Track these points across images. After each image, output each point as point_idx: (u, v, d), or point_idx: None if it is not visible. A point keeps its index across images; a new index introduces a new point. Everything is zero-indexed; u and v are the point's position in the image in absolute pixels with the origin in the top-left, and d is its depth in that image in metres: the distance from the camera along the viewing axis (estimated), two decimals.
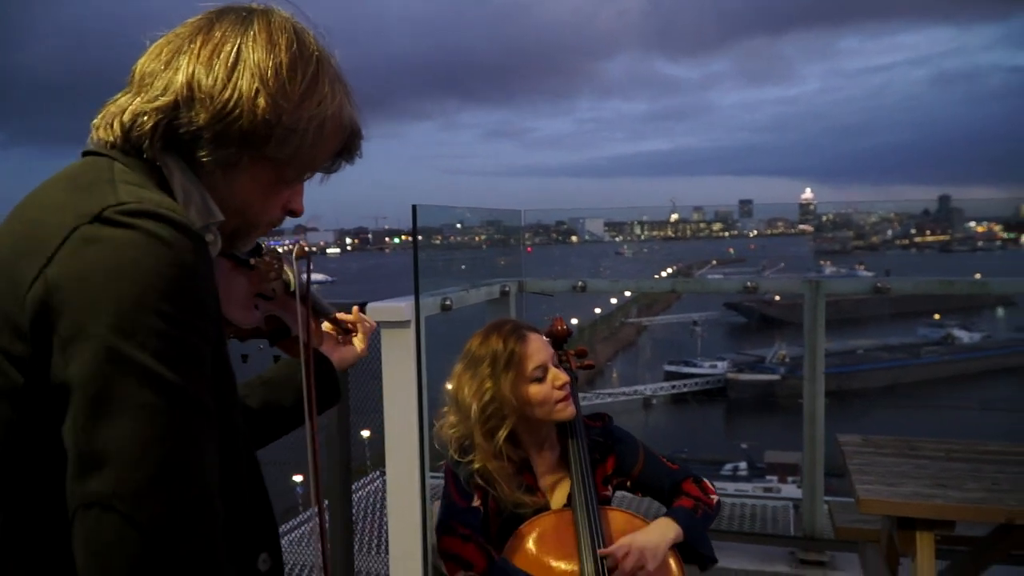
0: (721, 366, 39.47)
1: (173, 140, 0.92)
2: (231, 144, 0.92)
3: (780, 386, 33.77)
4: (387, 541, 3.73)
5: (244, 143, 0.93)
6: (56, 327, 0.76)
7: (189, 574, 0.75)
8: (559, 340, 2.10)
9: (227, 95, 0.91)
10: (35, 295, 0.76)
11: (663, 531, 1.80)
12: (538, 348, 1.88)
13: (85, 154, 0.94)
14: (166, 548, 0.74)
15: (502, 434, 1.83)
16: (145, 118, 0.91)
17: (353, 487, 4.60)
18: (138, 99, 0.92)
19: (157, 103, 0.91)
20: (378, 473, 4.89)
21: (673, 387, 38.77)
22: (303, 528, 4.36)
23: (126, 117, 0.91)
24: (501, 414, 1.83)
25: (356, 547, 3.91)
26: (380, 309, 3.27)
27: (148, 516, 0.74)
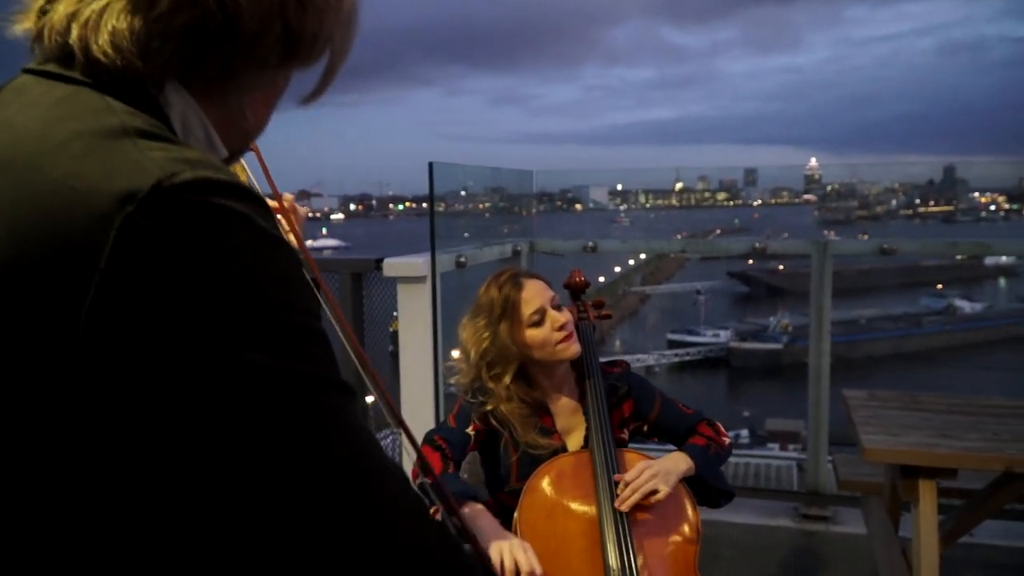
0: (724, 335, 39.60)
1: (187, 62, 0.66)
2: (273, 60, 0.69)
3: (782, 355, 33.90)
4: None
5: (289, 55, 0.70)
6: (136, 365, 0.54)
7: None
8: (577, 291, 2.16)
9: None
10: (94, 320, 0.54)
11: (675, 461, 1.88)
12: (535, 293, 1.94)
13: (36, 74, 0.66)
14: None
15: (507, 379, 1.91)
16: (167, 38, 0.64)
17: None
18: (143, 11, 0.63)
19: (188, 15, 0.63)
20: (388, 432, 4.98)
21: (676, 355, 38.92)
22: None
23: (131, 34, 0.63)
24: (503, 360, 1.91)
25: None
26: (397, 265, 3.35)
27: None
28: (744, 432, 25.97)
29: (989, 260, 50.57)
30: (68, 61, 0.65)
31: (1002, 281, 51.98)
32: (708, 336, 39.89)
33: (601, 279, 46.36)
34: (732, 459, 4.64)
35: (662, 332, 42.21)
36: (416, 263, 3.32)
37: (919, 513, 2.35)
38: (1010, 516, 3.58)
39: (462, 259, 3.55)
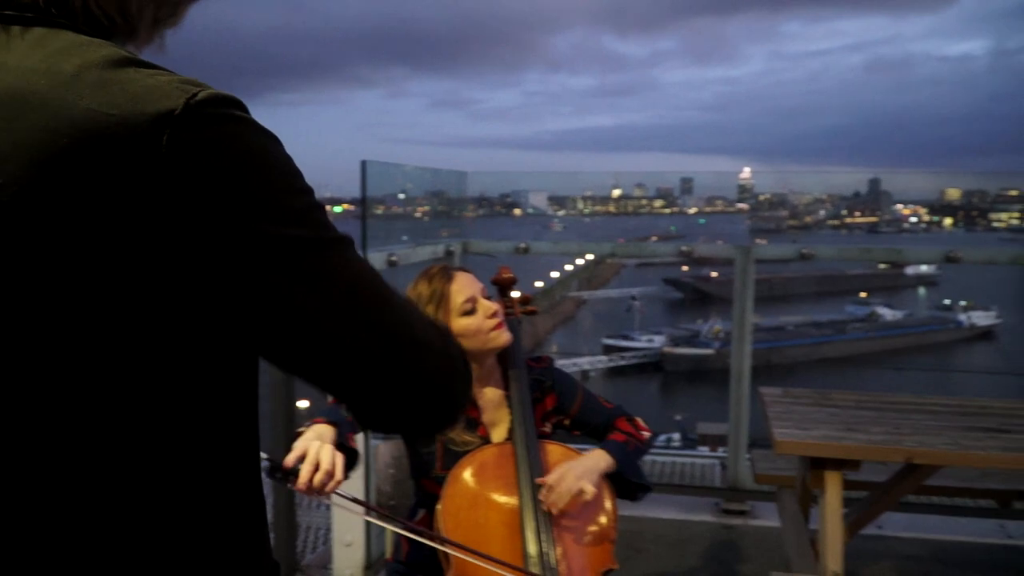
0: (658, 340, 40.26)
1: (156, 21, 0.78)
2: None
3: (714, 360, 34.61)
4: (329, 496, 3.82)
5: None
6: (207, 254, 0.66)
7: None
8: (504, 287, 2.21)
9: None
10: (157, 224, 0.64)
11: (596, 460, 1.95)
12: (465, 284, 1.98)
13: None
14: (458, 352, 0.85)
15: None
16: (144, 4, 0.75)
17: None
18: None
19: None
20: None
21: (611, 360, 39.41)
22: None
23: None
24: None
25: (297, 502, 3.99)
26: None
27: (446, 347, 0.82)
28: (676, 436, 26.43)
29: (910, 270, 52.52)
30: (25, 6, 0.69)
31: (921, 290, 54.06)
32: (643, 341, 40.49)
33: (538, 284, 46.66)
34: (660, 458, 4.76)
35: (598, 337, 42.66)
36: None
37: (825, 503, 2.48)
38: (915, 509, 3.77)
39: (394, 258, 3.57)
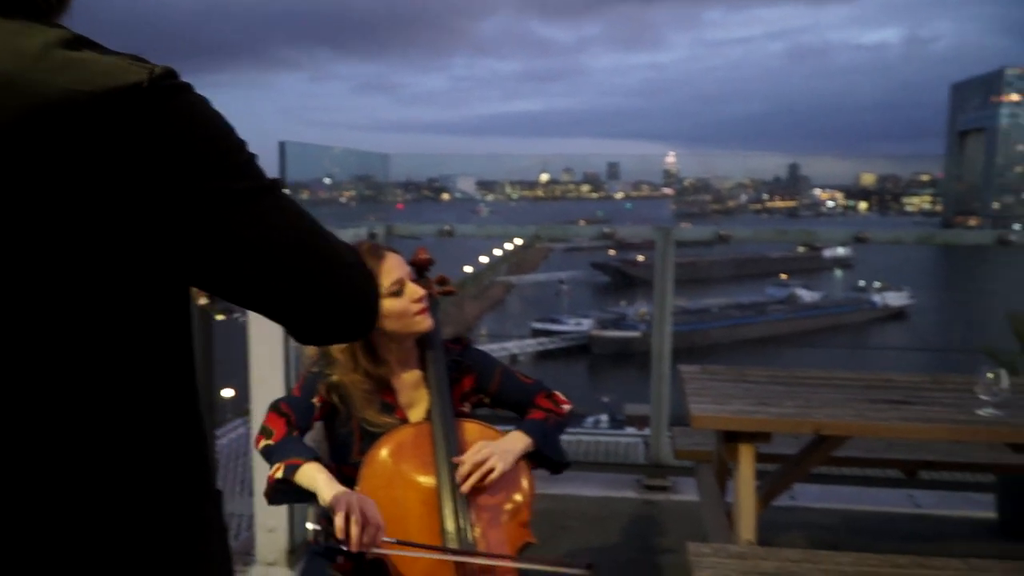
0: (586, 323, 40.79)
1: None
2: None
3: (640, 342, 35.24)
4: (251, 484, 3.78)
5: None
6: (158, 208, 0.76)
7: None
8: (421, 268, 2.21)
9: None
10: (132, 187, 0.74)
11: (514, 441, 1.97)
12: (395, 265, 1.97)
13: None
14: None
15: (356, 347, 1.94)
16: None
17: (217, 433, 4.60)
18: None
19: None
20: (241, 421, 4.90)
21: (540, 344, 39.78)
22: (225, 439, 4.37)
23: None
24: None
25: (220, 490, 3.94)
26: None
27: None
28: (604, 417, 26.86)
29: (827, 252, 54.34)
30: None
31: (838, 272, 56.00)
32: (571, 325, 40.97)
33: (467, 269, 46.67)
34: (585, 438, 4.83)
35: (527, 321, 42.98)
36: None
37: (739, 475, 2.55)
38: (827, 480, 3.92)
39: None
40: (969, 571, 2.29)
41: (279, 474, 1.76)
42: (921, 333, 38.29)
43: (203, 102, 0.79)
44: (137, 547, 0.82)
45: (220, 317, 3.28)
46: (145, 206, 0.75)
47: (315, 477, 1.73)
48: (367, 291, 0.96)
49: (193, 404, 0.89)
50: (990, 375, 2.54)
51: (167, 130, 0.74)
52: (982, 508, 3.82)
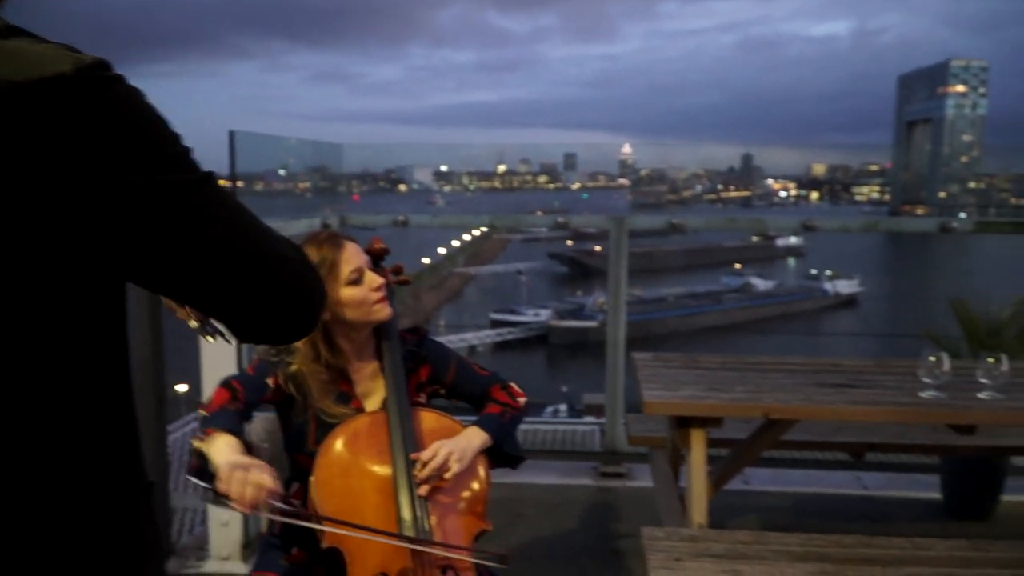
0: (544, 314, 40.95)
1: None
2: None
3: (598, 332, 35.40)
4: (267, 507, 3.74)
5: None
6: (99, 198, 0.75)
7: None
8: (376, 257, 2.20)
9: None
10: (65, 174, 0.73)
11: (470, 438, 1.97)
12: (353, 253, 1.97)
13: None
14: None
15: (317, 336, 1.93)
16: None
17: (169, 428, 4.54)
18: None
19: None
20: (195, 415, 4.85)
21: (498, 334, 39.85)
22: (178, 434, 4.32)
23: None
24: None
25: (172, 487, 3.90)
26: None
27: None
28: (563, 407, 27.02)
29: (780, 241, 55.21)
30: None
31: (791, 261, 56.95)
32: (529, 315, 41.09)
33: (425, 260, 46.51)
34: (542, 426, 4.86)
35: (485, 311, 43.00)
36: None
37: (691, 460, 2.60)
38: (778, 464, 4.01)
39: None
40: (913, 550, 2.36)
41: (195, 443, 1.74)
42: (870, 319, 39.14)
43: (135, 93, 0.78)
44: (65, 539, 0.81)
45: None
46: (74, 198, 0.73)
47: (219, 446, 1.68)
48: (311, 288, 0.93)
49: (125, 398, 0.88)
50: (932, 359, 2.61)
51: (95, 121, 0.73)
52: (927, 489, 3.93)
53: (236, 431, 1.75)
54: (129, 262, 0.80)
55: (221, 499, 1.59)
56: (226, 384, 1.92)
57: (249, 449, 1.72)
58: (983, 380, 2.62)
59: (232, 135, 3.24)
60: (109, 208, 0.75)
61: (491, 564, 1.83)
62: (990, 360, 2.62)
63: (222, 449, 1.68)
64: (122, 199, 0.75)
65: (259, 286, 0.87)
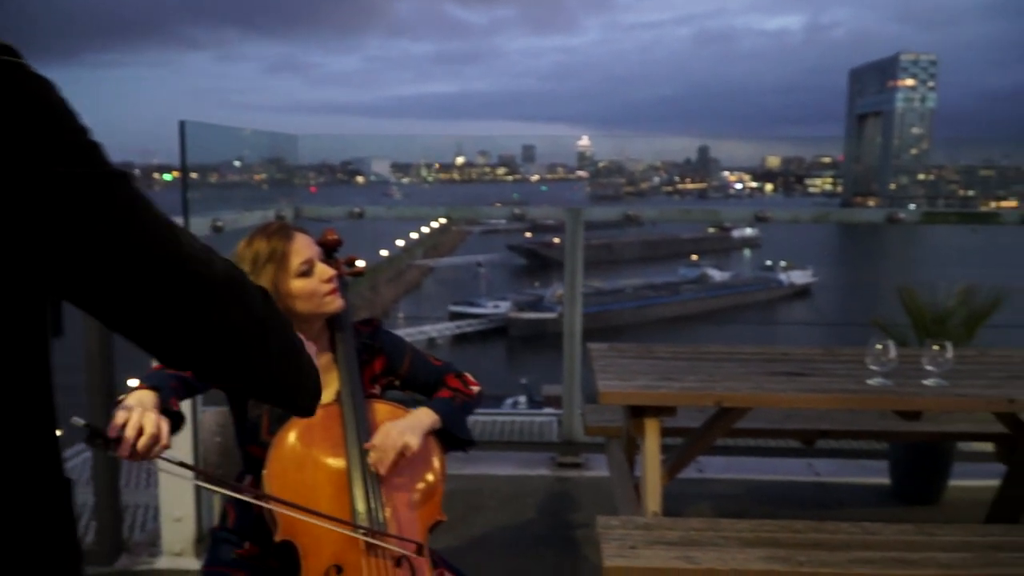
0: (503, 306, 40.94)
1: None
2: None
3: (557, 323, 35.40)
4: (156, 475, 3.69)
5: None
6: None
7: None
8: (330, 249, 2.18)
9: None
10: None
11: (420, 418, 1.97)
12: (304, 245, 1.95)
13: None
14: None
15: None
16: None
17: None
18: None
19: None
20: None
21: (458, 327, 39.76)
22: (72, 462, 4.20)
23: None
24: None
25: (123, 483, 3.84)
26: None
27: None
28: (522, 398, 27.12)
29: (736, 233, 55.91)
30: None
31: (747, 252, 57.70)
32: (488, 307, 41.06)
33: (384, 252, 46.24)
34: (500, 417, 4.87)
35: (444, 304, 42.88)
36: None
37: (645, 449, 2.63)
38: (732, 452, 4.07)
39: (219, 223, 3.44)
40: (862, 534, 2.42)
41: (121, 397, 1.69)
42: (823, 309, 39.84)
43: (38, 80, 0.73)
44: None
45: None
46: None
47: (134, 397, 1.62)
48: (250, 308, 0.85)
49: (44, 396, 0.82)
50: (879, 347, 2.67)
51: (7, 108, 0.69)
52: (876, 475, 4.03)
53: (160, 389, 1.67)
54: (46, 263, 0.74)
55: (99, 440, 1.47)
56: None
57: (167, 412, 1.62)
58: (928, 367, 2.69)
59: (182, 125, 3.18)
60: (28, 201, 0.70)
61: (406, 552, 1.83)
62: (935, 347, 2.69)
63: (134, 397, 1.61)
64: (26, 194, 0.70)
65: (183, 303, 0.79)
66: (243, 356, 0.86)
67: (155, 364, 1.74)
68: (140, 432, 1.51)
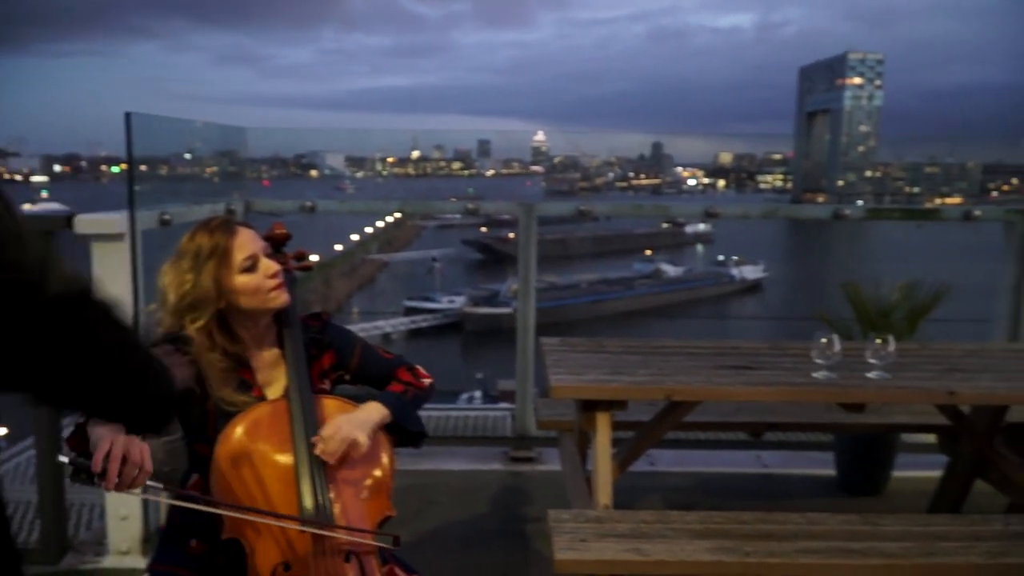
0: (459, 301, 40.85)
1: None
2: None
3: (512, 318, 35.39)
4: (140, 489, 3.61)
5: None
6: None
7: None
8: (278, 243, 2.16)
9: None
10: None
11: (370, 413, 1.96)
12: (248, 240, 1.92)
13: None
14: None
15: (204, 323, 1.88)
16: None
17: (64, 421, 4.36)
18: None
19: None
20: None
21: (413, 322, 39.58)
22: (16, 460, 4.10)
23: None
24: (203, 305, 1.87)
25: (68, 482, 3.76)
26: (91, 221, 3.13)
27: None
28: (477, 393, 27.11)
29: (689, 228, 56.54)
30: None
31: (699, 247, 58.39)
32: (444, 302, 40.94)
33: (338, 247, 45.80)
34: (454, 412, 4.86)
35: (399, 299, 42.65)
36: (112, 220, 3.11)
37: (596, 442, 2.64)
38: (683, 445, 4.12)
39: (166, 216, 3.38)
40: (807, 524, 2.47)
41: (80, 418, 1.66)
42: (773, 303, 40.50)
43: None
44: None
45: None
46: None
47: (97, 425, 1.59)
48: (166, 393, 1.09)
49: None
50: (824, 340, 2.72)
51: None
52: (823, 466, 4.11)
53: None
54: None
55: (83, 476, 1.47)
56: None
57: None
58: (872, 360, 2.75)
59: (128, 117, 3.11)
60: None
61: (384, 545, 1.83)
62: (878, 341, 2.75)
63: (100, 425, 1.56)
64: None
65: (126, 395, 0.97)
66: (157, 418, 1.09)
67: None
68: (124, 461, 1.50)
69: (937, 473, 3.53)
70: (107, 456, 1.49)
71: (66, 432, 1.73)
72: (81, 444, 1.63)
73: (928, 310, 3.94)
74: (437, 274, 45.99)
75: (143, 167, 3.31)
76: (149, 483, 1.55)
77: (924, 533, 2.42)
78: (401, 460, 2.01)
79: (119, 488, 1.50)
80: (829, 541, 2.37)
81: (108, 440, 1.51)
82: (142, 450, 1.55)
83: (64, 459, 1.46)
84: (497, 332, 36.25)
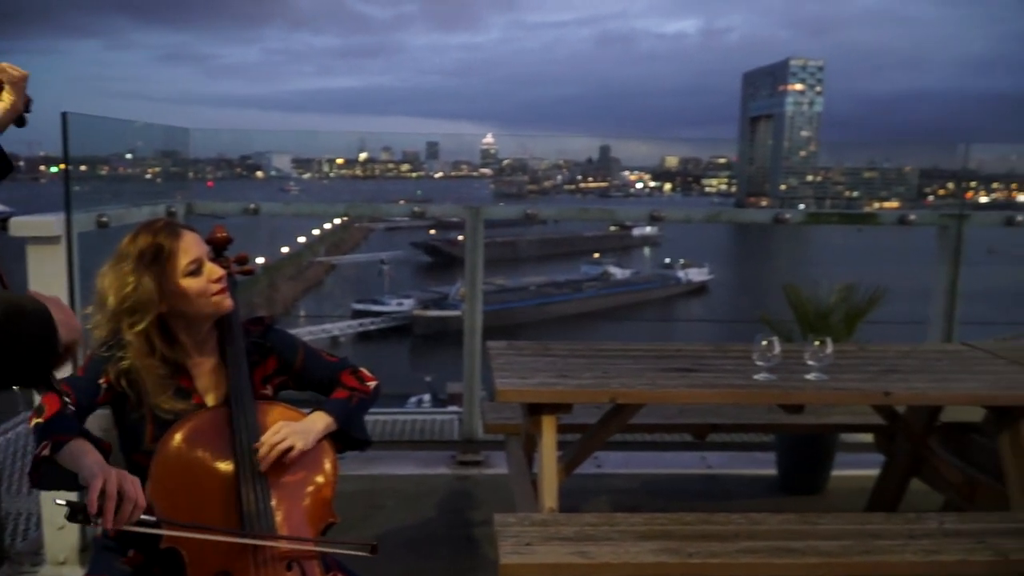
0: (408, 303, 40.65)
1: None
2: None
3: (461, 321, 35.28)
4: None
5: None
6: None
7: None
8: (219, 247, 2.13)
9: None
10: None
11: (314, 421, 1.94)
12: (192, 243, 1.89)
13: None
14: None
15: (145, 328, 1.84)
16: None
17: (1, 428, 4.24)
18: None
19: None
20: (26, 413, 4.55)
21: (361, 325, 39.25)
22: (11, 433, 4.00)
23: None
24: (144, 308, 1.83)
25: (4, 489, 3.66)
26: (26, 223, 3.05)
27: None
28: (427, 397, 27.01)
29: (636, 231, 57.13)
30: None
31: (646, 250, 59.06)
32: (392, 305, 40.71)
33: (285, 249, 45.21)
34: (400, 416, 4.83)
35: (347, 302, 42.28)
36: (48, 222, 3.03)
37: (542, 446, 2.66)
38: (629, 447, 4.16)
39: (104, 219, 3.30)
40: (748, 524, 2.51)
41: (45, 452, 1.65)
42: (717, 306, 41.15)
43: None
44: None
45: None
46: None
47: (79, 453, 1.63)
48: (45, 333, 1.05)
49: None
50: (764, 343, 2.78)
51: None
52: (765, 466, 4.19)
53: (86, 435, 1.70)
54: None
55: (80, 516, 1.51)
56: (54, 389, 1.79)
57: (105, 454, 1.68)
58: (810, 362, 2.81)
59: (64, 117, 3.04)
60: None
61: (360, 554, 1.81)
62: (817, 343, 2.81)
63: (82, 458, 1.61)
64: None
65: None
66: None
67: (48, 408, 1.75)
68: (120, 498, 1.53)
69: (875, 472, 3.63)
70: (102, 494, 1.51)
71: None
72: (47, 478, 1.64)
73: (865, 312, 4.05)
74: (386, 277, 45.70)
75: (82, 167, 3.24)
76: (144, 516, 1.58)
77: (861, 532, 2.48)
78: (348, 465, 1.99)
79: (116, 525, 1.53)
80: (769, 541, 2.42)
81: (100, 478, 1.54)
82: (134, 484, 1.57)
83: (61, 502, 1.50)
84: (446, 335, 36.13)
